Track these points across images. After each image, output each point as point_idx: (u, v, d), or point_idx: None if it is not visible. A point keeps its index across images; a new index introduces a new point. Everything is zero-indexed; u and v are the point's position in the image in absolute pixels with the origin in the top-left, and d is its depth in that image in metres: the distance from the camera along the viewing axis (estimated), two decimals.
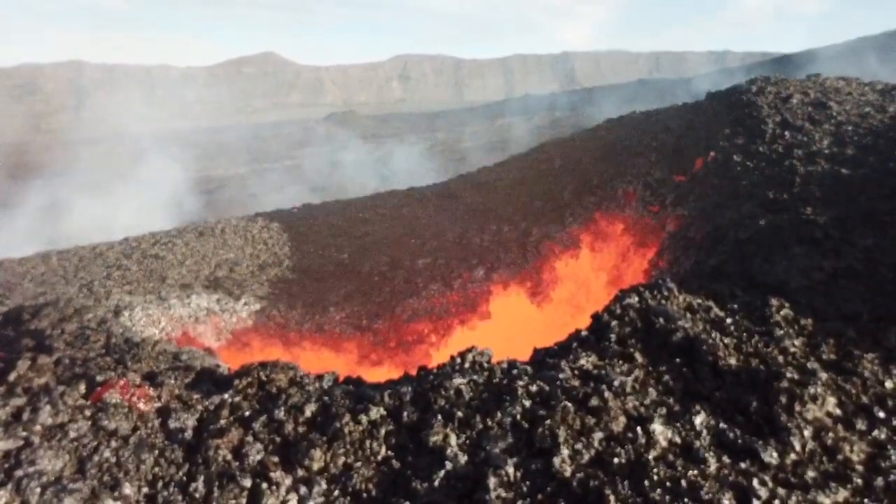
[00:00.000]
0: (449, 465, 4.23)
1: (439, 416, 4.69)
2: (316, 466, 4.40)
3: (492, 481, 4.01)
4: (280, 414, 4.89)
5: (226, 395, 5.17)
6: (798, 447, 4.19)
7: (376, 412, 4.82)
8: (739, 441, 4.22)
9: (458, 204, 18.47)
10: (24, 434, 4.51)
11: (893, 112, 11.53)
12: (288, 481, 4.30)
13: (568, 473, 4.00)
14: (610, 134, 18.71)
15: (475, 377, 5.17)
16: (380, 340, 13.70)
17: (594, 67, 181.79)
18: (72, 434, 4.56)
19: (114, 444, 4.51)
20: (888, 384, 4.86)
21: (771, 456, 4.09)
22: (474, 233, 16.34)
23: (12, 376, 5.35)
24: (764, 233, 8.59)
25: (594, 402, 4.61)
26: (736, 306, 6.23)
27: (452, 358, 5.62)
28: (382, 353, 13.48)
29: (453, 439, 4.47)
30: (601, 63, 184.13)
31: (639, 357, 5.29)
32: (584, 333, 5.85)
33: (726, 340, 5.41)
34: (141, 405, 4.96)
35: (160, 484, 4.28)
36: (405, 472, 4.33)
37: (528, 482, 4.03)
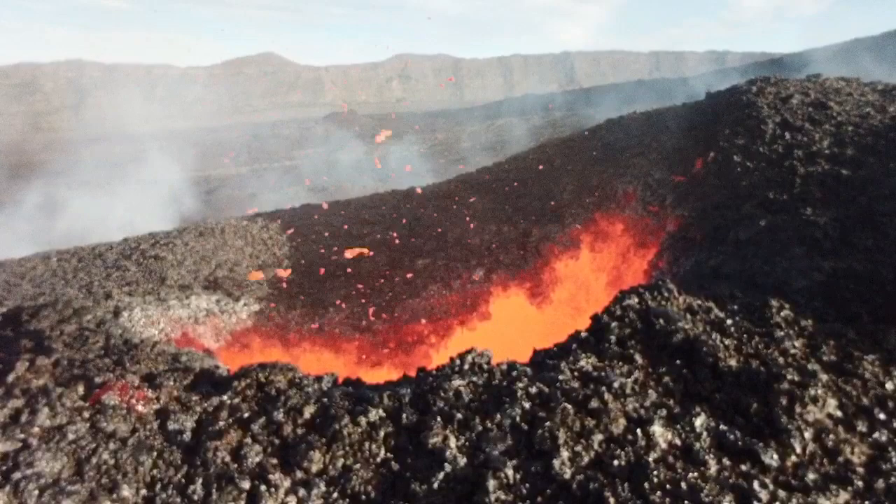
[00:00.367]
0: (448, 467, 4.22)
1: (439, 418, 4.68)
2: (315, 468, 4.39)
3: (491, 483, 4.00)
4: (279, 415, 4.88)
5: (225, 397, 5.15)
6: (799, 449, 4.18)
7: (375, 414, 4.81)
8: (740, 443, 4.20)
9: (458, 204, 18.45)
10: (23, 436, 4.50)
11: (894, 112, 11.52)
12: (287, 483, 4.29)
13: (568, 475, 3.99)
14: (610, 134, 18.70)
15: (475, 379, 5.16)
16: (379, 341, 13.68)
17: (594, 67, 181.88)
18: (70, 436, 4.54)
19: (112, 445, 4.50)
20: (888, 386, 4.85)
21: (771, 458, 4.08)
22: (474, 233, 16.33)
23: (10, 378, 5.33)
24: (764, 233, 8.58)
25: (594, 403, 4.60)
26: (736, 307, 6.22)
27: (452, 359, 5.61)
28: (382, 353, 13.47)
29: (453, 441, 4.46)
30: (601, 63, 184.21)
31: (639, 358, 5.28)
32: (583, 335, 5.84)
33: (726, 342, 5.39)
34: (139, 407, 4.95)
35: (159, 486, 4.27)
36: (404, 473, 4.31)
37: (527, 484, 4.02)
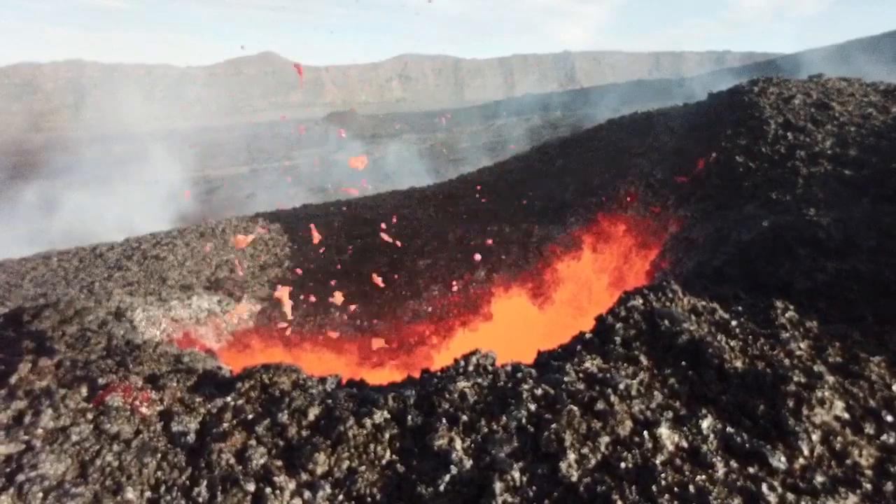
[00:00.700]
0: (454, 470, 4.20)
1: (444, 420, 4.65)
2: (320, 470, 4.37)
3: (497, 486, 3.98)
4: (283, 417, 4.85)
5: (228, 398, 5.13)
6: (806, 451, 4.16)
7: (380, 416, 4.79)
8: (747, 445, 4.19)
9: (459, 204, 18.42)
10: (26, 438, 4.47)
11: None
12: (292, 485, 4.27)
13: (574, 478, 3.97)
14: (611, 134, 18.68)
15: (479, 380, 5.14)
16: (380, 342, 13.66)
17: (594, 67, 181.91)
18: (74, 438, 4.52)
19: (116, 447, 4.48)
20: (895, 387, 4.83)
21: (779, 460, 4.06)
22: (475, 234, 16.31)
23: (13, 379, 5.31)
24: (767, 234, 8.56)
25: (600, 405, 4.58)
26: (740, 308, 6.20)
27: (456, 361, 5.58)
28: (384, 354, 13.45)
29: (458, 443, 4.44)
30: (601, 63, 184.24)
31: (644, 360, 5.26)
32: (588, 336, 5.81)
33: (732, 343, 5.37)
34: (143, 409, 4.93)
35: (163, 488, 4.24)
36: (410, 476, 4.29)
37: (534, 487, 4.00)
